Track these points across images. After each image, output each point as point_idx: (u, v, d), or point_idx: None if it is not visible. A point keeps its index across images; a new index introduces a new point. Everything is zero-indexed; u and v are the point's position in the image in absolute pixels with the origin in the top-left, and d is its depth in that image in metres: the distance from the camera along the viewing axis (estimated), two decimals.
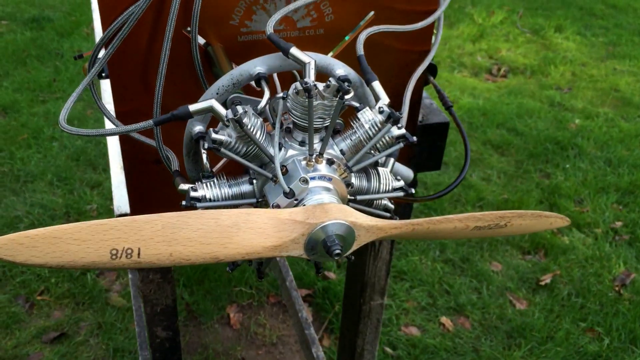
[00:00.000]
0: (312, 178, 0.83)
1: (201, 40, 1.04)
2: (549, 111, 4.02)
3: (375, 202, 0.94)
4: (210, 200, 0.85)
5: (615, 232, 3.07)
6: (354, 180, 0.91)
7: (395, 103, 1.14)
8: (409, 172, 1.02)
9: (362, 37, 0.99)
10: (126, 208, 1.14)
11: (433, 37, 1.18)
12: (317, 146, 0.86)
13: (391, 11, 1.10)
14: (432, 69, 1.24)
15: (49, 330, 2.50)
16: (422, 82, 1.20)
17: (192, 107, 0.86)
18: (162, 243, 0.71)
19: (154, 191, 1.15)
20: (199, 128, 0.92)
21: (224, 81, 0.91)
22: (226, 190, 0.86)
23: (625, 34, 5.14)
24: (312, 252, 0.79)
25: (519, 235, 3.06)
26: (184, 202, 0.84)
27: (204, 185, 0.86)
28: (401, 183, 0.92)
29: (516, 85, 4.35)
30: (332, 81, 0.83)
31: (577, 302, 2.68)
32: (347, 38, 1.12)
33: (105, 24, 0.95)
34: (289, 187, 0.81)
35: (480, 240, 3.04)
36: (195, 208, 0.84)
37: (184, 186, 0.86)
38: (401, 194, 0.92)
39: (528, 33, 5.04)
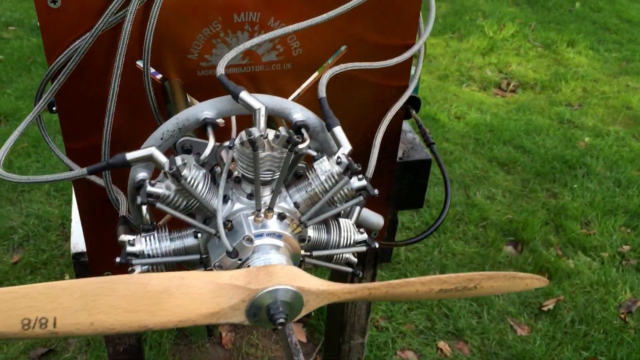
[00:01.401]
0: (259, 235, 0.76)
1: (159, 75, 0.98)
2: (558, 128, 3.92)
3: (335, 256, 0.87)
4: (148, 256, 0.79)
5: (622, 257, 2.97)
6: (311, 233, 0.84)
7: (371, 140, 1.07)
8: (378, 220, 0.95)
9: (325, 77, 0.92)
10: (83, 246, 1.08)
11: (413, 69, 1.11)
12: (267, 199, 0.80)
13: (365, 45, 1.03)
14: (415, 103, 1.17)
15: (37, 346, 2.46)
16: (402, 117, 1.13)
17: (130, 155, 0.80)
18: (81, 312, 0.65)
19: (111, 229, 1.09)
20: (142, 175, 0.85)
21: (168, 126, 0.85)
22: (166, 245, 0.80)
23: None
24: (254, 319, 0.72)
25: (522, 258, 2.98)
26: (118, 259, 0.77)
27: (143, 239, 0.80)
28: (364, 236, 0.85)
29: (525, 100, 4.26)
30: (282, 131, 0.77)
31: (581, 329, 2.59)
32: (329, 62, 1.05)
33: (50, 58, 0.90)
34: (232, 246, 0.75)
35: (482, 262, 2.96)
36: (131, 265, 0.77)
37: (124, 237, 0.80)
38: (363, 248, 0.85)
39: (540, 47, 4.94)
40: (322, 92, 0.90)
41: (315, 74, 1.01)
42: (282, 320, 0.70)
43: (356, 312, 1.38)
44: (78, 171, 0.83)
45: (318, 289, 0.74)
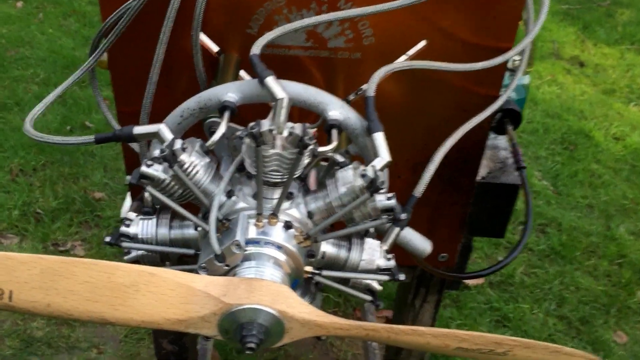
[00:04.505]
0: (255, 242, 0.66)
1: (216, 47, 0.91)
2: None
3: (352, 280, 0.75)
4: (142, 241, 0.72)
5: None
6: (327, 248, 0.73)
7: (451, 153, 0.92)
8: (424, 245, 0.81)
9: (379, 74, 0.79)
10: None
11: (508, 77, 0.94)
12: (276, 202, 0.70)
13: (452, 41, 0.88)
14: (514, 117, 1.00)
15: None
16: (486, 131, 0.97)
17: (137, 129, 0.74)
18: (38, 290, 0.60)
19: None
20: (158, 153, 0.78)
21: (190, 103, 0.77)
22: (163, 232, 0.73)
23: None
24: (227, 335, 0.63)
25: None
26: (107, 238, 0.72)
27: (140, 222, 0.73)
28: (390, 263, 0.72)
29: None
30: (296, 130, 0.66)
31: None
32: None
33: (104, 15, 0.86)
34: (220, 249, 0.66)
35: (609, 303, 2.65)
36: (120, 246, 0.72)
37: (129, 214, 0.74)
38: (385, 278, 0.72)
39: None
40: (372, 90, 0.77)
41: (385, 69, 0.88)
42: (252, 345, 0.61)
43: None
44: (86, 138, 0.79)
45: (304, 317, 0.63)
